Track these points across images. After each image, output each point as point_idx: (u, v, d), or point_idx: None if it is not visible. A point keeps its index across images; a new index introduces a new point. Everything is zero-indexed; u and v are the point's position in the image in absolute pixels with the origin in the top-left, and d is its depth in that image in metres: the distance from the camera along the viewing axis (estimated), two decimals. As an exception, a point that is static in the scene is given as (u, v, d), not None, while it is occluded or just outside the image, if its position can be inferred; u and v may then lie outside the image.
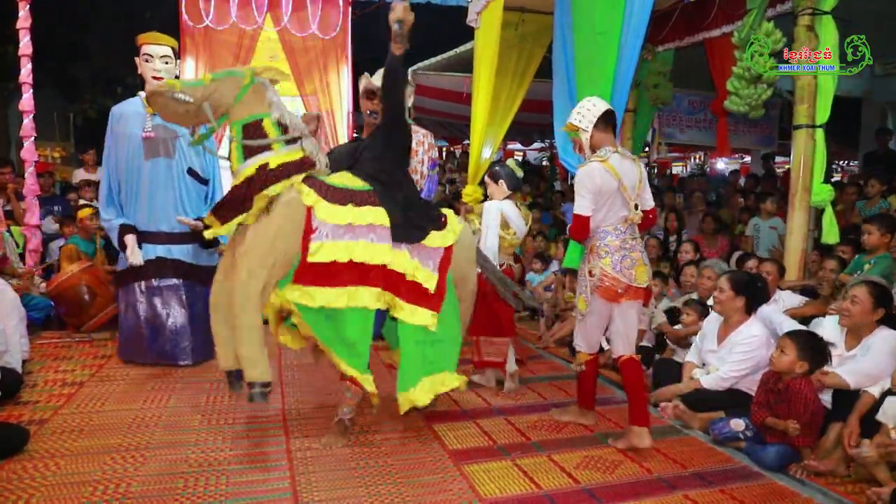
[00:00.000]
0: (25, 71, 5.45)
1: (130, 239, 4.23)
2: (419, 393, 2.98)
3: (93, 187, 6.30)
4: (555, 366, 4.69)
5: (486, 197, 4.34)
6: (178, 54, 4.48)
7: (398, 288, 2.92)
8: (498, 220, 3.99)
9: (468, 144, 7.29)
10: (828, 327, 3.34)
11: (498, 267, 3.98)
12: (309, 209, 2.84)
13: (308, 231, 2.83)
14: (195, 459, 2.90)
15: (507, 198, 4.07)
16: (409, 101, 3.36)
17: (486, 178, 4.18)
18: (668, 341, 4.47)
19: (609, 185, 3.10)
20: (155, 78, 4.31)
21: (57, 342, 4.81)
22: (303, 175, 2.89)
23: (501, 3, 5.19)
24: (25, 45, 5.42)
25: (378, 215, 2.92)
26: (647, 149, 9.96)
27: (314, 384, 3.99)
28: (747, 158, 13.08)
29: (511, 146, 14.24)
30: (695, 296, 4.46)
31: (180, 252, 4.35)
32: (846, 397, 3.02)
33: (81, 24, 12.62)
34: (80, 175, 7.48)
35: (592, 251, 3.19)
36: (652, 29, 5.75)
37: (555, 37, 4.87)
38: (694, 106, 8.65)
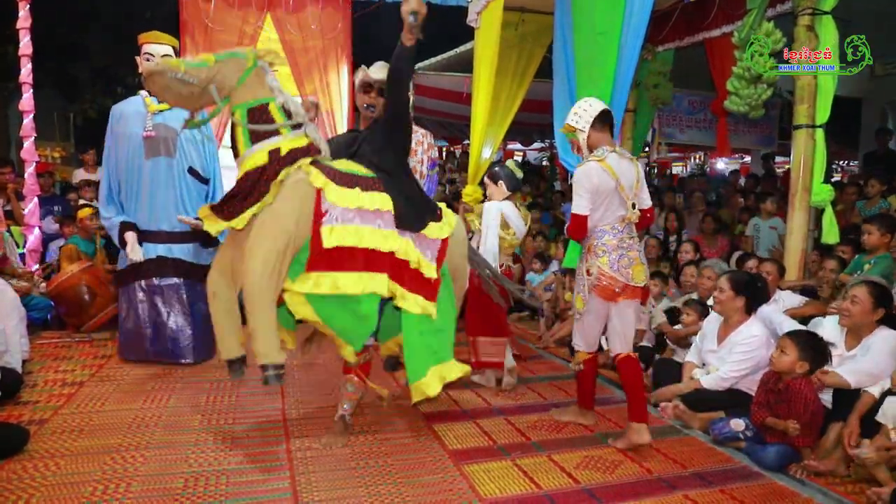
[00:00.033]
0: (25, 71, 5.45)
1: (131, 236, 4.23)
2: (429, 383, 2.94)
3: (93, 187, 6.30)
4: (555, 366, 4.69)
5: (485, 197, 4.34)
6: (178, 53, 4.48)
7: (402, 276, 2.90)
8: (498, 220, 3.99)
9: (468, 144, 7.29)
10: (828, 327, 3.34)
11: (498, 267, 3.99)
12: (318, 191, 2.78)
13: (319, 214, 2.77)
14: (195, 459, 2.90)
15: (507, 198, 4.08)
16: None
17: (486, 179, 4.18)
18: (668, 341, 4.47)
19: (606, 184, 3.11)
20: None
21: (57, 342, 4.81)
22: (309, 159, 2.85)
23: (501, 3, 5.19)
24: (25, 45, 5.42)
25: (384, 201, 2.89)
26: (647, 149, 9.96)
27: (314, 384, 3.99)
28: (747, 158, 13.08)
29: (511, 146, 14.24)
30: (695, 296, 4.46)
31: (181, 251, 4.35)
32: (846, 397, 3.02)
33: (81, 24, 12.61)
34: (80, 175, 7.48)
35: (590, 250, 3.20)
36: (652, 29, 5.76)
37: (555, 37, 4.87)
38: (694, 106, 8.66)
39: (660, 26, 6.06)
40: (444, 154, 13.77)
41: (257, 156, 2.76)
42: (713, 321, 3.71)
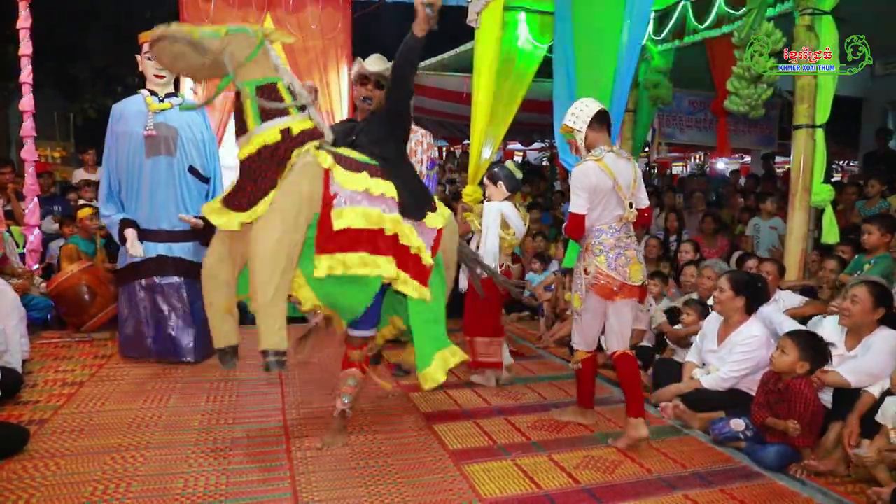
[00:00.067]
0: (25, 71, 5.45)
1: (130, 233, 4.24)
2: (435, 370, 2.96)
3: (93, 187, 6.30)
4: (555, 366, 4.69)
5: (485, 197, 4.34)
6: None
7: (406, 262, 2.90)
8: (498, 220, 4.00)
9: (468, 144, 7.28)
10: (828, 327, 3.35)
11: (497, 267, 3.99)
12: (327, 172, 2.77)
13: (328, 196, 2.75)
14: (195, 459, 2.90)
15: (507, 199, 4.08)
16: None
17: (486, 180, 4.18)
18: (668, 341, 4.47)
19: (604, 183, 3.12)
20: (157, 76, 4.32)
21: (57, 342, 4.81)
22: (316, 143, 2.82)
23: (501, 3, 5.19)
24: (25, 45, 5.42)
25: (388, 188, 2.89)
26: (647, 149, 9.96)
27: (314, 384, 3.99)
28: (747, 158, 13.08)
29: (511, 146, 14.24)
30: (695, 296, 4.46)
31: (181, 250, 4.35)
32: (846, 397, 3.02)
33: (81, 24, 12.62)
34: (80, 175, 7.48)
35: (588, 249, 3.22)
36: (652, 29, 5.76)
37: (555, 37, 4.87)
38: (694, 106, 8.65)
39: (660, 26, 6.05)
40: (444, 154, 13.76)
41: (269, 133, 2.71)
42: (713, 321, 3.71)
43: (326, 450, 3.02)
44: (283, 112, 2.76)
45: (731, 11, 5.07)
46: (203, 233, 4.13)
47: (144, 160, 4.25)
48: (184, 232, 4.33)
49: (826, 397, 3.14)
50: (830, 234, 4.26)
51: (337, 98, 7.01)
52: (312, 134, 2.81)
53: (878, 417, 2.80)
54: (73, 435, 3.13)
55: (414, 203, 3.00)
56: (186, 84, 6.42)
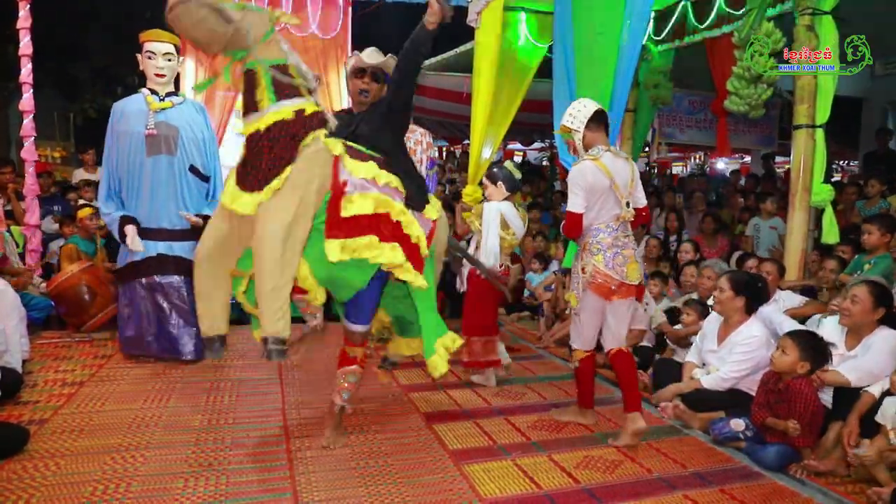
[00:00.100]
0: (25, 71, 5.44)
1: (131, 229, 4.24)
2: (440, 357, 3.00)
3: (93, 187, 6.30)
4: (555, 366, 4.69)
5: (485, 197, 4.35)
6: (179, 52, 4.48)
7: (408, 251, 2.91)
8: (498, 220, 4.00)
9: (468, 144, 7.28)
10: (828, 327, 3.35)
11: (497, 267, 4.00)
12: (337, 159, 2.78)
13: (338, 183, 2.76)
14: (195, 459, 2.90)
15: (506, 199, 4.08)
16: None
17: (485, 180, 4.19)
18: (668, 341, 4.47)
19: (601, 182, 3.14)
20: (157, 75, 4.31)
21: (57, 342, 4.81)
22: (324, 131, 2.83)
23: (501, 3, 5.19)
24: (25, 45, 5.41)
25: (393, 180, 2.91)
26: (647, 149, 9.96)
27: (314, 384, 3.99)
28: (747, 158, 13.08)
29: (511, 146, 14.24)
30: (695, 296, 4.46)
31: (182, 249, 4.35)
32: (846, 397, 3.02)
33: (81, 24, 12.61)
34: (79, 175, 7.48)
35: (585, 248, 3.24)
36: (652, 29, 5.76)
37: (555, 37, 4.87)
38: (694, 106, 8.65)
39: (660, 26, 6.05)
40: (444, 154, 13.76)
41: (284, 111, 2.71)
42: (713, 321, 3.71)
43: (326, 449, 3.02)
44: (296, 93, 2.77)
45: (732, 11, 5.08)
46: (203, 232, 4.13)
47: (145, 159, 4.25)
48: (184, 231, 4.33)
49: (826, 397, 3.15)
50: (830, 234, 4.26)
51: (337, 98, 7.01)
52: (322, 119, 2.83)
53: (878, 418, 2.80)
54: (73, 435, 3.12)
55: (416, 194, 3.03)
56: (187, 84, 6.42)
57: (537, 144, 13.56)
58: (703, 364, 3.70)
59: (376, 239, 2.76)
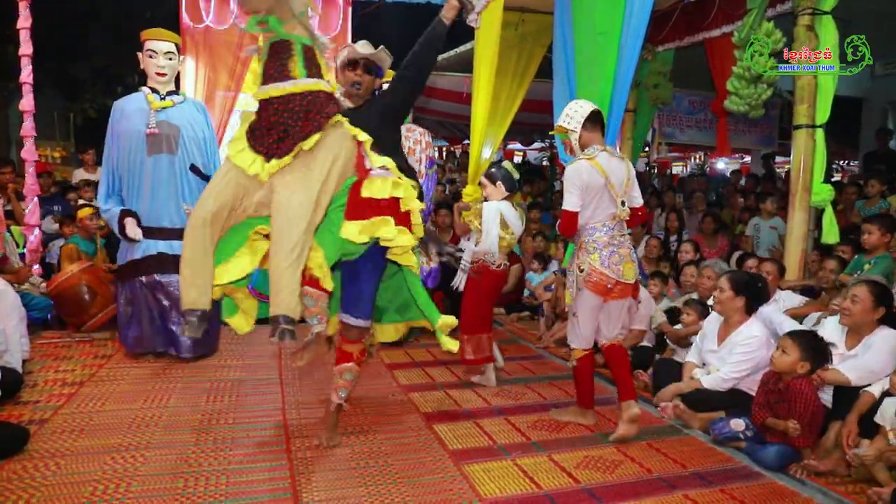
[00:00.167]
0: (25, 71, 5.44)
1: (130, 221, 4.24)
2: (446, 336, 3.00)
3: (93, 187, 6.29)
4: (555, 366, 4.69)
5: (484, 197, 4.35)
6: (180, 51, 4.49)
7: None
8: (498, 220, 4.00)
9: (468, 144, 7.28)
10: (828, 327, 3.35)
11: (496, 267, 4.01)
12: (360, 144, 2.85)
13: (362, 166, 2.82)
14: (195, 459, 2.90)
15: (505, 198, 4.09)
16: (387, 64, 3.32)
17: (483, 180, 4.19)
18: (668, 341, 4.47)
19: (596, 181, 3.16)
20: (159, 74, 4.31)
21: (57, 342, 4.81)
22: (343, 118, 2.86)
23: (501, 3, 5.18)
24: (25, 45, 5.42)
25: (395, 170, 2.94)
26: (647, 149, 9.96)
27: (314, 383, 3.99)
28: (747, 158, 13.09)
29: (511, 146, 14.24)
30: (695, 296, 4.46)
31: (182, 248, 4.34)
32: (846, 396, 3.02)
33: (81, 24, 12.62)
34: (80, 175, 7.48)
35: (581, 247, 3.26)
36: (652, 29, 5.75)
37: (555, 37, 4.88)
38: (694, 106, 8.66)
39: (660, 26, 6.06)
40: (444, 154, 13.76)
41: (319, 83, 2.75)
42: (713, 321, 3.71)
43: (326, 449, 3.02)
44: (320, 73, 2.79)
45: (732, 11, 5.08)
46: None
47: (146, 158, 4.25)
48: (184, 229, 4.32)
49: (826, 397, 3.14)
50: (830, 234, 4.26)
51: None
52: (338, 103, 2.88)
53: (878, 418, 2.80)
54: (73, 435, 3.12)
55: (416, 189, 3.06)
56: (187, 84, 6.42)
57: (537, 144, 13.56)
58: (704, 364, 3.70)
59: (392, 221, 2.80)
